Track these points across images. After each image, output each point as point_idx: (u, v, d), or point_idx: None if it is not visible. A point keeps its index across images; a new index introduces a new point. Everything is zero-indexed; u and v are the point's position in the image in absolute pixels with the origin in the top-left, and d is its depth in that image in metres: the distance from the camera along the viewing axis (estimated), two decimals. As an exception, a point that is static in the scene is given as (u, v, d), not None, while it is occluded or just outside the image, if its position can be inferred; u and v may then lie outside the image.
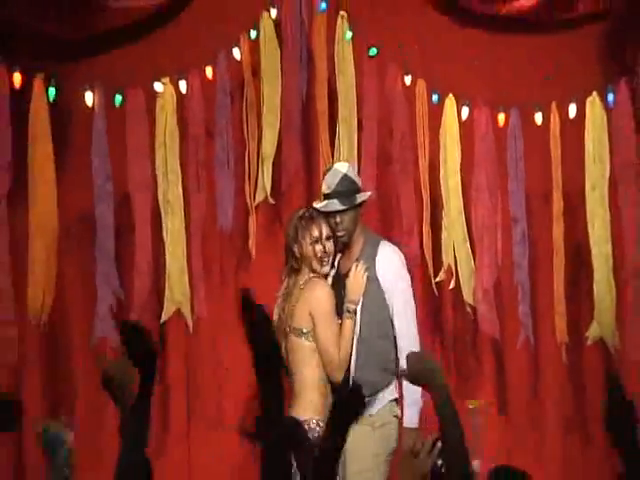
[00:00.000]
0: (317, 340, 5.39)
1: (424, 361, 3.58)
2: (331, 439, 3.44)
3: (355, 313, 5.53)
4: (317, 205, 5.77)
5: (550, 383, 6.89)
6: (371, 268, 5.60)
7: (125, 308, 6.35)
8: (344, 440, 3.44)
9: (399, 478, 3.61)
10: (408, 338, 5.55)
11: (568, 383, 6.85)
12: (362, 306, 5.60)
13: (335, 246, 5.69)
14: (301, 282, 5.50)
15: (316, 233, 5.57)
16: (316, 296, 5.46)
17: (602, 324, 6.54)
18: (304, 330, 5.38)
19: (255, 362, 3.26)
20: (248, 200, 6.48)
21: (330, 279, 5.76)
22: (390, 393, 5.50)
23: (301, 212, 5.76)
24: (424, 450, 3.53)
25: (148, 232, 6.43)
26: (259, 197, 6.45)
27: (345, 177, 5.65)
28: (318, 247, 5.56)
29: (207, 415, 6.62)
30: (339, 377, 5.37)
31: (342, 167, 5.79)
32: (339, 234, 5.68)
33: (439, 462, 3.52)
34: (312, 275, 5.56)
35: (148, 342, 3.44)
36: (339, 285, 5.67)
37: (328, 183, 5.68)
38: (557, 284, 6.61)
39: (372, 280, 5.58)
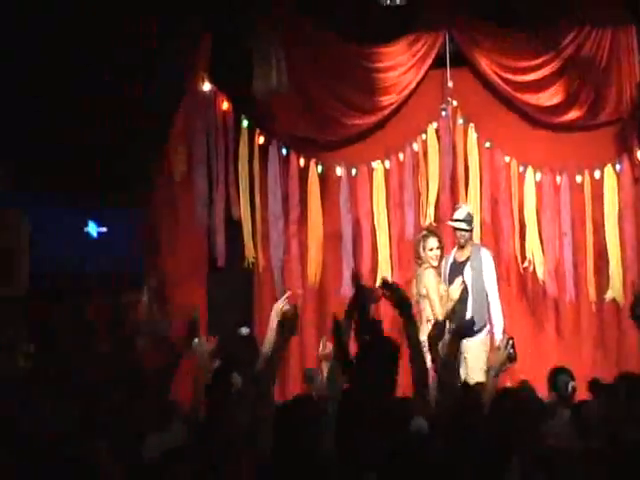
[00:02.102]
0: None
1: None
2: (453, 345, 4.51)
3: (462, 293, 7.06)
4: (452, 223, 8.24)
5: (585, 321, 9.26)
6: (478, 263, 8.05)
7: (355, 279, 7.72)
8: (459, 348, 4.66)
9: (488, 362, 5.03)
10: (494, 301, 8.10)
11: (595, 322, 9.24)
12: (472, 286, 7.81)
13: (442, 250, 7.95)
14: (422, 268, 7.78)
15: (430, 245, 8.03)
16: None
17: (614, 290, 9.03)
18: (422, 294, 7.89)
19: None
20: (422, 224, 8.89)
21: (448, 266, 8.10)
22: (485, 326, 7.97)
23: (423, 232, 8.13)
24: (502, 344, 4.69)
25: (369, 241, 9.07)
26: (426, 222, 8.93)
27: (468, 213, 8.36)
28: (432, 253, 7.96)
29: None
30: (441, 315, 7.28)
31: (467, 207, 8.49)
32: (461, 241, 8.21)
33: (511, 351, 4.67)
34: (425, 266, 7.85)
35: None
36: (454, 268, 7.99)
37: (459, 213, 8.30)
38: (588, 268, 9.09)
39: (479, 270, 8.05)
